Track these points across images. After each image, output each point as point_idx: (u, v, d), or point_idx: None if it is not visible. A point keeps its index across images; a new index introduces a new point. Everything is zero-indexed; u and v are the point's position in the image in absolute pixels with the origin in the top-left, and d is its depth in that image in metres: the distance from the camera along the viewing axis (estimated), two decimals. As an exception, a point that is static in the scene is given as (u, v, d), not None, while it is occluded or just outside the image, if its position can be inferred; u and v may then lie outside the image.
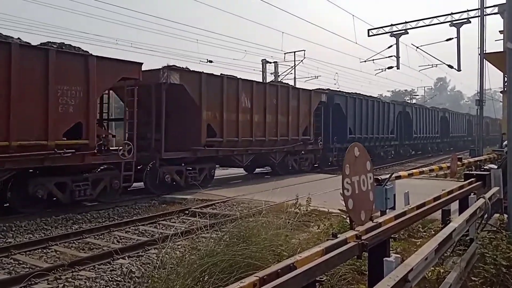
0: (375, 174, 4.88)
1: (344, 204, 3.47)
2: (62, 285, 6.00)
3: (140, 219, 10.22)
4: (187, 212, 10.91)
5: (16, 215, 10.26)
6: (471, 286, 4.55)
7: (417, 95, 79.77)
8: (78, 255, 7.43)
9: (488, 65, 20.03)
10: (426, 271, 3.54)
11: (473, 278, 4.65)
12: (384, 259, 3.08)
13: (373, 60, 28.66)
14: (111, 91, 14.12)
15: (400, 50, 26.43)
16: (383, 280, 2.68)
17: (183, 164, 14.70)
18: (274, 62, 37.15)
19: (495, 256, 4.77)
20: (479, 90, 20.08)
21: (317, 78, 41.50)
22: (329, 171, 21.01)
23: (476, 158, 13.74)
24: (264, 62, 36.55)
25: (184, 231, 6.83)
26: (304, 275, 2.47)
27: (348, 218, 5.51)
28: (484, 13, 20.26)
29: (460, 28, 23.79)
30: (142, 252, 7.55)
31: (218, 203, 11.96)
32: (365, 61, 29.15)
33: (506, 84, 16.68)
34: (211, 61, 32.58)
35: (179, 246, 6.21)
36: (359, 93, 27.12)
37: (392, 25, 26.15)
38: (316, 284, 2.66)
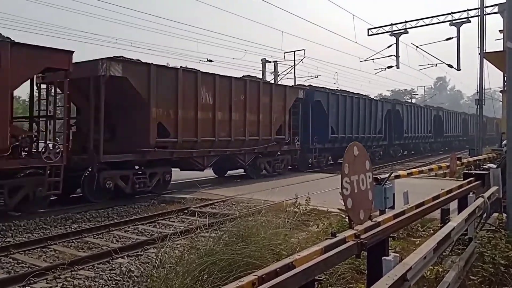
0: (374, 173, 4.88)
1: (343, 203, 3.48)
2: (61, 284, 6.00)
3: (139, 219, 10.23)
4: (186, 211, 10.92)
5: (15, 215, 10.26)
6: (469, 285, 4.56)
7: (417, 95, 79.81)
8: (77, 255, 7.43)
9: (488, 65, 20.06)
10: (425, 270, 3.54)
11: (471, 277, 4.66)
12: (383, 258, 3.08)
13: (373, 59, 28.65)
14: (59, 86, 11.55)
15: (400, 49, 26.43)
16: (382, 279, 2.69)
17: (137, 168, 13.37)
18: (274, 61, 37.12)
19: (493, 255, 4.78)
20: (478, 90, 20.09)
21: (317, 77, 41.48)
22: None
23: (475, 158, 13.77)
24: (264, 62, 36.50)
25: (183, 231, 6.83)
26: (303, 274, 2.47)
27: (347, 217, 5.52)
28: (484, 13, 20.27)
29: (460, 28, 23.78)
30: (141, 252, 7.55)
31: (217, 202, 11.97)
32: (365, 61, 29.14)
33: (505, 83, 16.68)
34: (210, 61, 32.56)
35: (178, 246, 6.21)
36: (343, 90, 25.89)
37: (392, 24, 26.14)
38: (315, 283, 2.66)
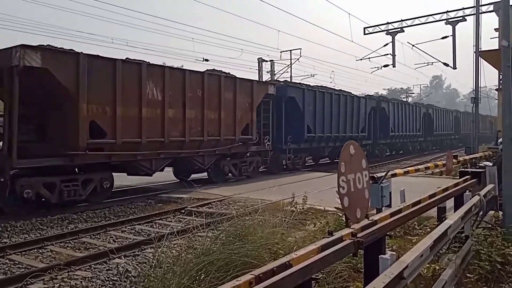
0: (371, 172, 4.89)
1: (340, 202, 3.48)
2: (58, 285, 5.98)
3: (136, 219, 10.21)
4: (183, 211, 10.91)
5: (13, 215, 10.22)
6: (466, 283, 4.58)
7: (413, 93, 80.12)
8: (74, 255, 7.41)
9: (483, 63, 20.11)
10: (422, 268, 3.56)
11: (468, 275, 4.68)
12: (379, 256, 3.09)
13: (369, 58, 28.63)
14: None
15: (396, 48, 26.40)
16: (379, 277, 2.69)
17: (74, 173, 11.64)
18: (270, 60, 37.16)
19: (490, 253, 4.81)
20: (474, 88, 20.13)
21: (313, 76, 41.59)
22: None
23: (471, 156, 13.82)
24: (260, 61, 36.52)
25: (180, 230, 6.82)
26: (299, 273, 2.47)
27: (344, 216, 5.53)
28: (480, 11, 20.32)
29: (456, 26, 23.82)
30: (138, 252, 7.54)
31: (214, 202, 11.96)
32: (361, 59, 29.10)
33: (501, 81, 16.76)
34: (207, 60, 32.54)
35: (175, 245, 6.22)
36: (322, 86, 24.36)
37: (388, 23, 26.15)
38: (312, 281, 2.66)
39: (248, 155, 17.57)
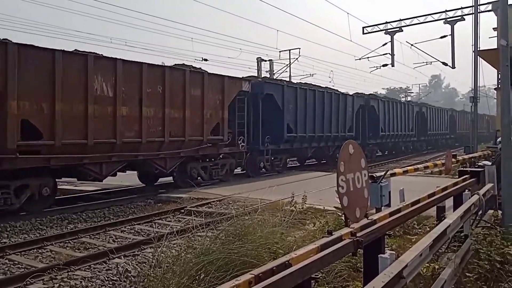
0: (370, 171, 4.90)
1: (339, 202, 3.49)
2: (57, 285, 5.99)
3: (135, 218, 10.22)
4: (182, 211, 10.92)
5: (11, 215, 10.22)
6: (465, 282, 4.58)
7: (412, 93, 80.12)
8: (74, 255, 7.42)
9: (482, 62, 20.12)
10: (421, 267, 3.56)
11: (467, 274, 4.68)
12: (379, 255, 3.10)
13: (368, 57, 28.69)
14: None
15: (395, 47, 26.45)
16: (378, 277, 2.70)
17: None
18: (269, 60, 37.17)
19: (489, 252, 4.81)
20: (473, 87, 20.15)
21: (312, 76, 41.53)
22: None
23: (471, 155, 13.83)
24: (259, 60, 36.51)
25: (179, 230, 6.81)
26: (299, 273, 2.47)
27: (343, 215, 5.54)
28: (478, 11, 20.33)
29: (454, 26, 23.86)
30: (138, 251, 7.55)
31: (213, 201, 11.96)
32: (360, 59, 29.15)
33: (500, 81, 16.77)
34: (206, 60, 32.52)
35: (175, 245, 6.22)
36: (305, 83, 22.93)
37: (386, 22, 26.18)
38: (312, 281, 2.67)
39: (221, 156, 16.19)
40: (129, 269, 6.54)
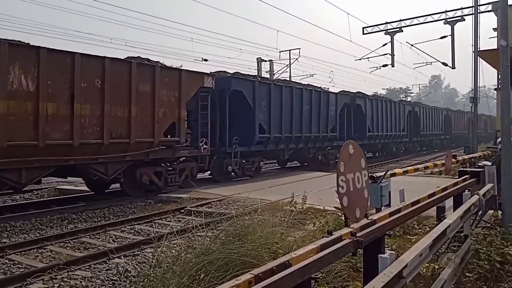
0: (370, 172, 4.90)
1: (339, 202, 3.49)
2: (57, 284, 5.99)
3: (135, 218, 10.22)
4: (182, 211, 10.93)
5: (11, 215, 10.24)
6: (465, 282, 4.59)
7: (412, 93, 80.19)
8: (74, 255, 7.42)
9: (482, 63, 20.16)
10: (421, 267, 3.56)
11: (467, 274, 4.69)
12: (379, 255, 3.10)
13: (368, 58, 28.72)
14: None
15: (395, 48, 26.52)
16: (378, 277, 2.70)
17: None
18: (269, 60, 37.20)
19: (489, 252, 4.81)
20: (473, 88, 20.17)
21: (312, 76, 41.58)
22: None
23: (471, 155, 13.85)
24: (259, 60, 36.55)
25: (179, 230, 6.82)
26: (299, 272, 2.48)
27: (343, 215, 5.54)
28: (478, 11, 20.36)
29: (454, 26, 23.90)
30: (138, 251, 7.56)
31: (213, 201, 11.96)
32: (360, 59, 29.19)
33: (500, 81, 16.78)
34: (206, 60, 32.54)
35: (175, 245, 6.22)
36: (280, 79, 21.12)
37: (386, 23, 26.22)
38: (312, 281, 2.67)
39: (182, 160, 14.51)
40: (129, 269, 6.54)
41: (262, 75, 33.23)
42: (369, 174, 4.53)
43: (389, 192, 7.02)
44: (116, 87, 11.76)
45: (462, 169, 8.11)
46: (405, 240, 6.44)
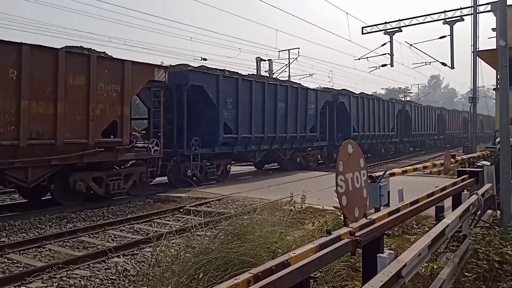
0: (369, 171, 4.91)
1: (338, 201, 3.49)
2: (56, 284, 6.00)
3: (134, 218, 10.23)
4: (181, 210, 10.93)
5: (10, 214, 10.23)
6: (464, 282, 4.59)
7: (411, 93, 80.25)
8: (73, 254, 7.43)
9: (481, 63, 20.21)
10: (420, 267, 3.57)
11: (466, 274, 4.69)
12: (377, 255, 3.10)
13: (367, 57, 28.74)
14: None
15: (394, 47, 26.53)
16: (377, 276, 2.70)
17: None
18: (268, 60, 37.20)
19: (488, 252, 4.82)
20: (472, 88, 20.19)
21: (312, 75, 41.57)
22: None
23: (469, 155, 13.87)
24: (258, 60, 36.54)
25: (178, 229, 6.82)
26: (298, 272, 2.48)
27: (342, 215, 5.54)
28: (477, 11, 20.38)
29: (453, 26, 23.93)
30: (137, 251, 7.56)
31: (212, 201, 11.97)
32: (359, 59, 29.21)
33: (498, 81, 16.78)
34: (205, 59, 32.52)
35: (174, 244, 6.21)
36: (253, 74, 19.33)
37: (385, 22, 26.23)
38: (310, 280, 2.67)
39: (132, 163, 13.02)
40: (128, 268, 6.55)
41: (262, 75, 33.32)
42: (368, 174, 4.53)
43: (388, 192, 7.03)
44: (38, 79, 10.18)
45: (461, 169, 8.12)
46: (404, 239, 6.45)
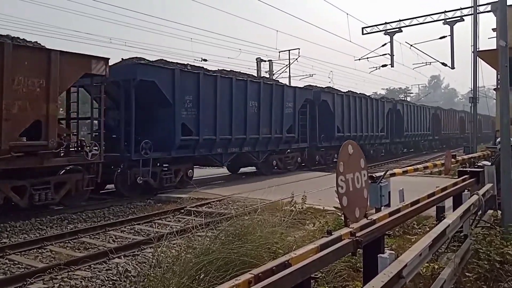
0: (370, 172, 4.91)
1: (338, 202, 3.50)
2: (58, 284, 6.00)
3: (135, 218, 10.22)
4: (182, 211, 10.93)
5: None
6: (465, 282, 4.59)
7: (412, 93, 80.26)
8: (74, 255, 7.42)
9: (481, 63, 20.19)
10: (420, 267, 3.57)
11: (467, 274, 4.69)
12: (378, 255, 3.11)
13: (367, 58, 28.72)
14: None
15: (394, 48, 26.52)
16: (378, 276, 2.70)
17: None
18: (268, 60, 37.19)
19: (488, 252, 4.82)
20: (472, 88, 20.18)
21: (312, 76, 41.58)
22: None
23: (470, 155, 13.86)
24: (259, 61, 36.54)
25: (179, 230, 6.83)
26: (299, 272, 2.48)
27: (343, 215, 5.55)
28: (477, 11, 20.38)
29: (454, 26, 23.92)
30: (138, 251, 7.56)
31: (213, 201, 11.96)
32: (359, 59, 29.18)
33: (499, 81, 16.77)
34: (205, 60, 32.50)
35: (175, 245, 6.22)
36: (221, 70, 17.34)
37: (386, 23, 26.23)
38: (311, 281, 2.68)
39: (69, 169, 11.25)
40: (129, 269, 6.54)
41: (262, 75, 33.28)
42: (369, 174, 4.54)
43: (389, 192, 7.03)
44: None
45: (461, 169, 8.12)
46: (405, 240, 6.45)
